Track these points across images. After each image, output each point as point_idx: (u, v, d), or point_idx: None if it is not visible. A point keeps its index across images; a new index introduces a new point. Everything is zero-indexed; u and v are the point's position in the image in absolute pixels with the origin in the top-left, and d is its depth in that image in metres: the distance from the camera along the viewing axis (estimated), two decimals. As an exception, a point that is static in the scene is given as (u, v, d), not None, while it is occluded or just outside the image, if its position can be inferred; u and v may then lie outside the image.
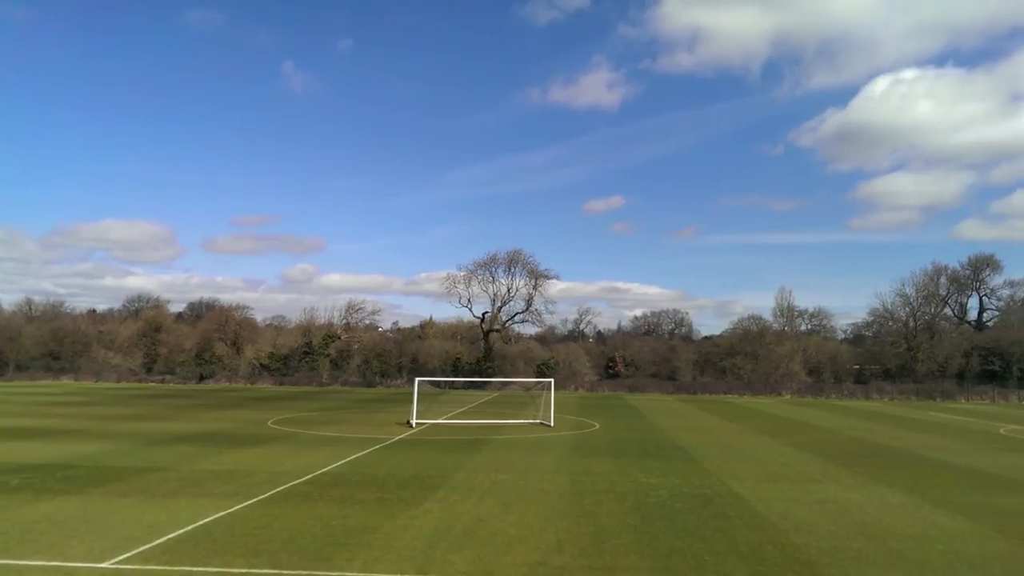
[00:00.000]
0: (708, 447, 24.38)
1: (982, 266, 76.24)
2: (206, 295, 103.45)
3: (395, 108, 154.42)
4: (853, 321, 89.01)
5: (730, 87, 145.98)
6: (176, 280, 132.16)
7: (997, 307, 77.35)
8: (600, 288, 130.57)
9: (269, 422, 31.08)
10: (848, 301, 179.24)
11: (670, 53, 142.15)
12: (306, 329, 75.54)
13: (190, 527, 12.09)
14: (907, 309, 71.86)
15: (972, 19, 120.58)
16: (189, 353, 71.44)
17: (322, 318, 79.03)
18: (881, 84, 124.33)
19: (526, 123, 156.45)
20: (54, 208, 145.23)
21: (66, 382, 66.01)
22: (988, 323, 75.82)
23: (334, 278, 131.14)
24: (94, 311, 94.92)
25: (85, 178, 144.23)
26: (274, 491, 15.32)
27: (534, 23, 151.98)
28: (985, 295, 77.48)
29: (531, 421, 32.33)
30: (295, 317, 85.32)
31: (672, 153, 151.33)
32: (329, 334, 73.77)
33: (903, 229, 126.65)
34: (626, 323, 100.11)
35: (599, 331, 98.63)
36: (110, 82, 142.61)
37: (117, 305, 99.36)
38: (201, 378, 68.44)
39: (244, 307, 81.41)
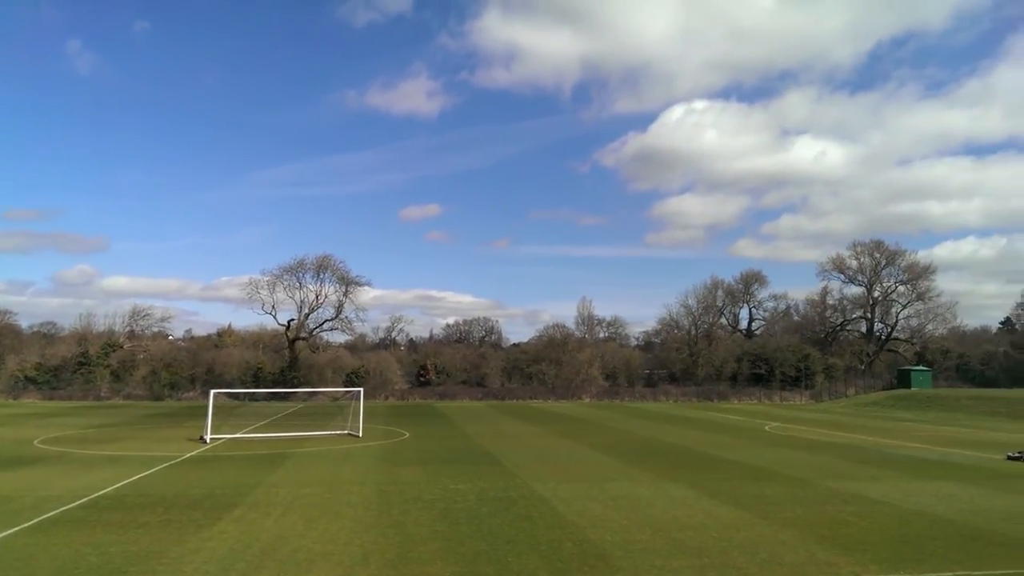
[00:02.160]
0: (513, 451, 25.17)
1: (752, 281, 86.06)
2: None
3: (195, 98, 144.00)
4: (644, 329, 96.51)
5: (543, 105, 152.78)
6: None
7: (763, 317, 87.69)
8: (414, 296, 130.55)
9: (35, 441, 27.50)
10: (641, 311, 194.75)
11: (488, 67, 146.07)
12: (82, 337, 67.90)
13: (-72, 567, 10.39)
14: (690, 318, 79.21)
15: (751, 60, 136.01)
16: (-68, 365, 61.45)
17: (102, 325, 71.66)
18: (676, 112, 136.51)
19: (341, 125, 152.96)
20: None
21: None
22: (756, 331, 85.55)
23: (119, 281, 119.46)
24: None
25: None
26: (41, 518, 13.59)
27: (352, 23, 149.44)
28: (753, 307, 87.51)
29: (339, 432, 31.49)
30: (69, 324, 76.67)
31: (488, 165, 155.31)
32: (110, 343, 66.87)
33: (690, 246, 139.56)
34: (438, 331, 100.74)
35: (411, 339, 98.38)
36: None
37: None
38: (-53, 394, 59.10)
39: (7, 312, 71.90)
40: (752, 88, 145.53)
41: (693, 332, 78.13)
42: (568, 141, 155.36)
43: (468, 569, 10.50)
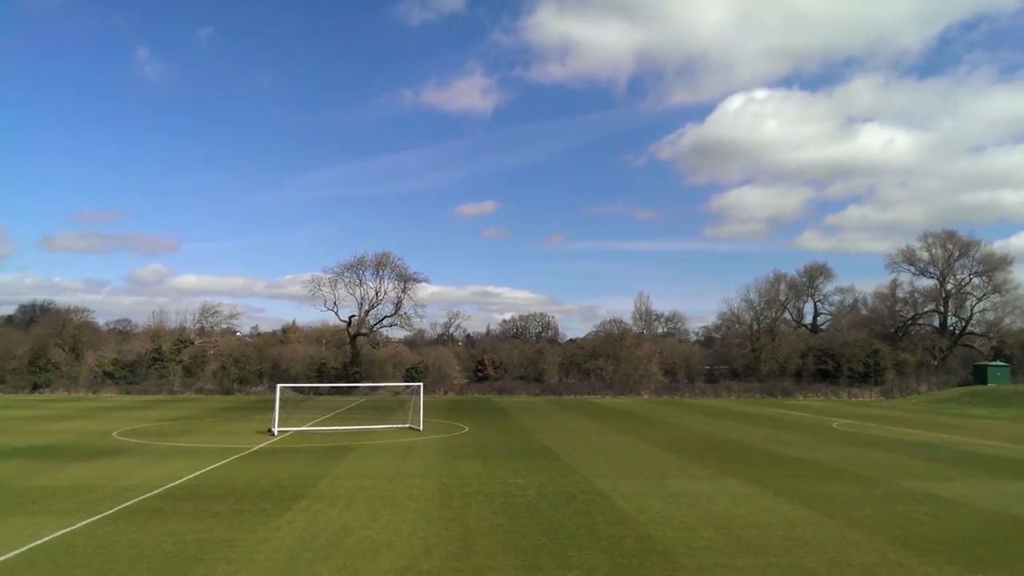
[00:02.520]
0: (572, 446, 25.15)
1: (816, 274, 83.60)
2: (41, 297, 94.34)
3: (258, 102, 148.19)
4: (704, 324, 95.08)
5: (598, 99, 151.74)
6: (7, 280, 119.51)
7: (829, 311, 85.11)
8: (471, 292, 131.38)
9: (114, 433, 28.83)
10: (700, 306, 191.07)
11: (542, 63, 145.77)
12: (155, 334, 70.77)
13: (25, 548, 11.03)
14: (751, 313, 77.55)
15: (813, 46, 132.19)
16: (21, 360, 64.87)
17: (174, 322, 74.58)
18: (735, 102, 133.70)
19: (398, 124, 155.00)
20: None
21: None
22: (821, 326, 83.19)
23: (189, 279, 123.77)
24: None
25: None
26: (120, 506, 14.26)
27: (407, 23, 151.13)
28: (819, 300, 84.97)
29: (400, 426, 32.01)
30: (143, 321, 79.95)
31: (543, 160, 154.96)
32: (181, 339, 69.52)
33: (750, 239, 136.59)
34: (495, 327, 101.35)
35: (468, 335, 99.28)
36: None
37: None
38: (35, 387, 62.39)
39: (85, 310, 74.87)
40: (814, 75, 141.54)
41: (755, 327, 76.49)
42: (623, 135, 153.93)
43: (529, 562, 10.56)
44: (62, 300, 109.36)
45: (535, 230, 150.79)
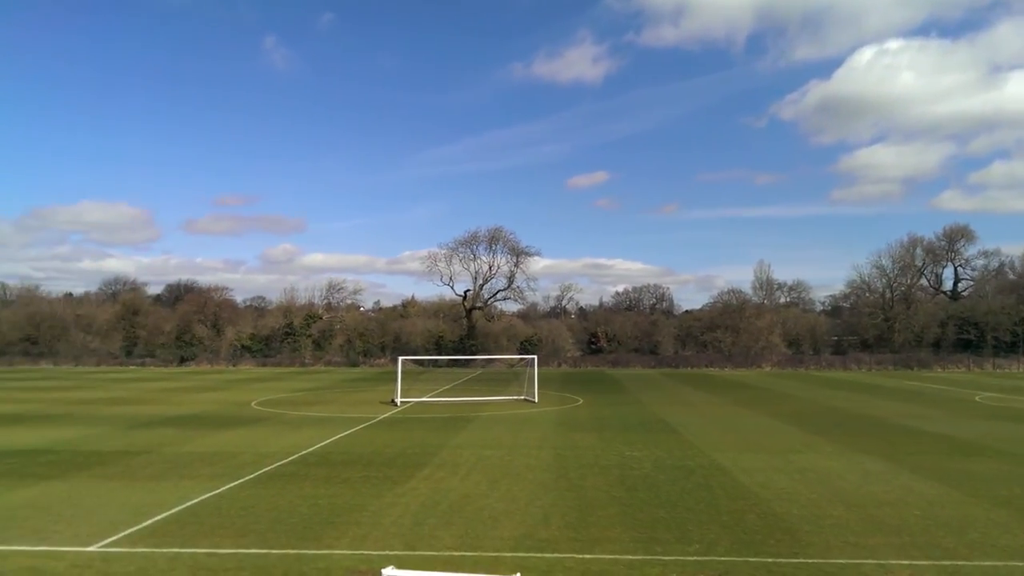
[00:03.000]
0: (690, 419, 24.69)
1: (956, 237, 77.11)
2: (185, 277, 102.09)
3: (375, 84, 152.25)
4: (831, 293, 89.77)
5: (713, 60, 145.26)
6: (154, 262, 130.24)
7: (971, 277, 78.50)
8: (583, 264, 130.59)
9: (252, 403, 30.97)
10: (826, 273, 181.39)
11: (655, 26, 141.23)
12: (287, 309, 75.05)
13: (176, 509, 12.08)
14: (884, 280, 72.78)
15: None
16: (169, 336, 70.72)
17: (303, 298, 78.59)
18: (865, 55, 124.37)
19: (509, 99, 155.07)
20: (29, 190, 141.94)
21: (45, 367, 65.22)
22: (963, 293, 76.99)
23: (316, 258, 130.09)
24: (70, 295, 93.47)
25: (60, 159, 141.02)
26: (260, 472, 15.32)
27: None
28: (960, 265, 78.47)
29: (515, 397, 32.51)
30: (276, 298, 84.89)
31: (655, 127, 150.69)
32: (310, 314, 73.38)
33: (883, 201, 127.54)
34: (608, 299, 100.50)
35: (581, 307, 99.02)
36: (84, 60, 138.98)
37: (94, 288, 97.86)
38: (182, 360, 67.92)
39: (224, 288, 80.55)
40: (955, 22, 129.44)
41: (888, 295, 71.86)
42: (741, 96, 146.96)
43: (647, 535, 10.49)
44: (203, 279, 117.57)
45: (648, 200, 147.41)
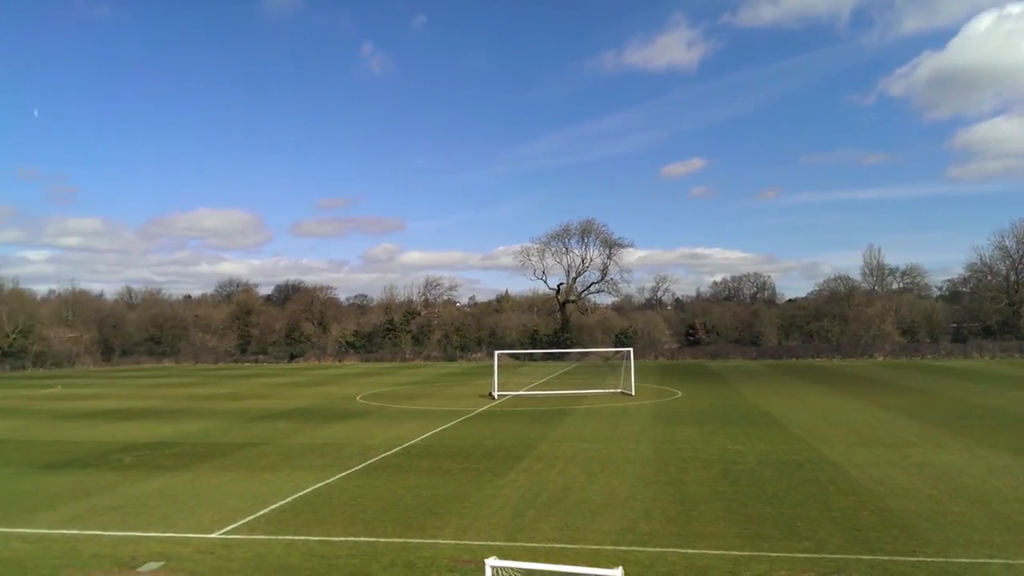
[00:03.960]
0: (796, 412, 23.80)
1: (1093, 213, 70.63)
2: (292, 277, 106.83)
3: (466, 83, 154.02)
4: (949, 277, 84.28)
5: (816, 37, 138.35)
6: (265, 264, 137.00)
7: (1110, 256, 71.70)
8: (679, 255, 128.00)
9: (358, 397, 32.16)
10: (943, 257, 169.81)
11: (752, 5, 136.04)
12: (387, 307, 77.41)
13: (290, 498, 12.71)
14: (1008, 262, 67.56)
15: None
16: (279, 334, 74.39)
17: (402, 295, 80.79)
18: (983, 21, 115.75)
19: (600, 89, 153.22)
20: (151, 200, 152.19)
21: (168, 365, 69.92)
22: (1100, 274, 70.43)
23: (414, 256, 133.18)
24: (189, 297, 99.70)
25: (179, 170, 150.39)
26: (366, 463, 15.90)
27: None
28: (1095, 244, 71.84)
29: (612, 391, 32.29)
30: (377, 296, 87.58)
31: (755, 110, 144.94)
32: (409, 311, 75.38)
33: (1005, 177, 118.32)
34: (706, 289, 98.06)
35: (677, 298, 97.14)
36: (196, 76, 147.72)
37: (210, 290, 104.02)
38: (292, 357, 71.26)
39: (328, 288, 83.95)
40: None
41: (1013, 278, 66.73)
42: (846, 73, 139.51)
43: (753, 531, 10.21)
44: (310, 279, 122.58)
45: (747, 186, 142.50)
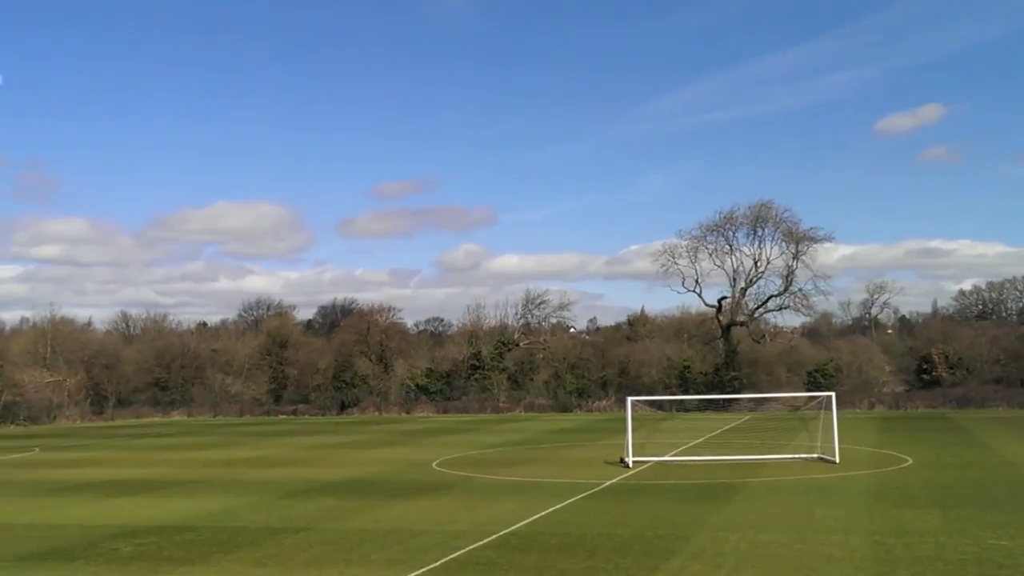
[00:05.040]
0: (1095, 490, 22.50)
1: None
2: (342, 295, 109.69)
3: (574, 16, 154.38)
4: None
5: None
6: (305, 278, 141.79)
7: None
8: (904, 252, 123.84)
9: (434, 463, 32.74)
10: None
11: None
12: (471, 334, 78.46)
13: (343, 607, 12.99)
14: None
15: None
16: (325, 374, 76.56)
17: (492, 317, 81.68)
18: None
19: (771, 13, 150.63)
20: (152, 193, 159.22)
21: (178, 418, 73.40)
22: None
23: (509, 261, 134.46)
24: (204, 324, 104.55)
25: (189, 151, 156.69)
26: (448, 557, 16.05)
27: None
28: None
29: (805, 456, 31.53)
30: (457, 319, 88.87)
31: (1019, 27, 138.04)
32: (503, 340, 76.11)
33: None
34: (947, 303, 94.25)
35: (903, 316, 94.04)
36: (208, 25, 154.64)
37: (232, 315, 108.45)
38: (342, 407, 73.37)
39: (391, 309, 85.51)
40: None
41: None
42: None
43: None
44: (365, 297, 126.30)
45: (1010, 145, 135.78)
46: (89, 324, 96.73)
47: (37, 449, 44.94)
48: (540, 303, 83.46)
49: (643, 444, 34.12)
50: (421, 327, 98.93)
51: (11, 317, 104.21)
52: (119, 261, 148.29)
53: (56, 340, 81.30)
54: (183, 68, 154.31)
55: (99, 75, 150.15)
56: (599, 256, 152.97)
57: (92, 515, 22.69)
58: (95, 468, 34.67)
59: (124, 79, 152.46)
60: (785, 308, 71.59)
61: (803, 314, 73.13)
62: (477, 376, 73.27)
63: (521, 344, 77.01)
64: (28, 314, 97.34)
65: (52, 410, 72.23)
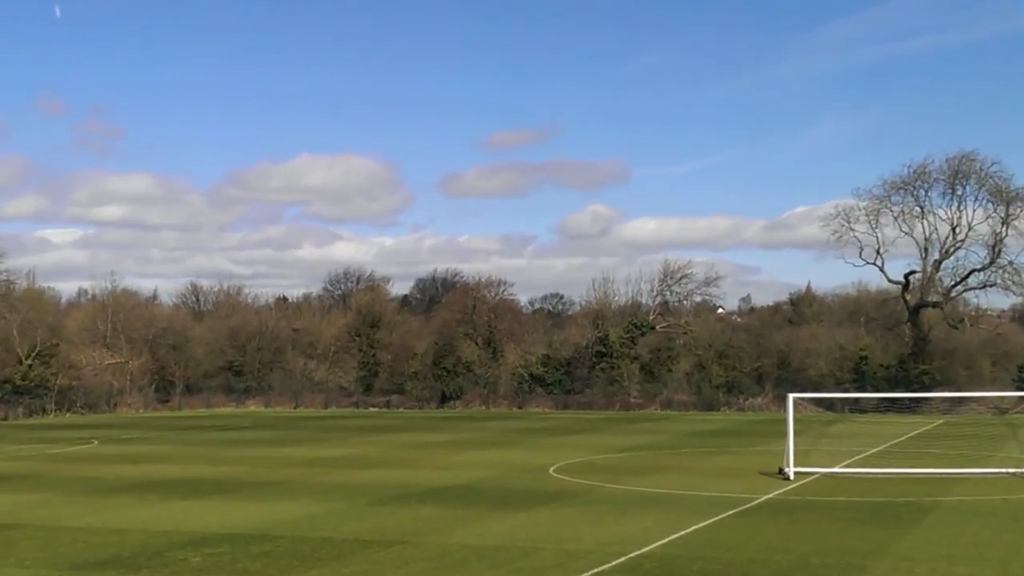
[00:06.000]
0: None
1: None
2: (444, 266, 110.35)
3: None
4: None
5: None
6: (401, 245, 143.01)
7: None
8: None
9: (551, 468, 32.87)
10: None
11: None
12: (597, 314, 78.11)
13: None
14: None
15: None
16: (423, 360, 77.21)
17: (623, 295, 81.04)
18: None
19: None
20: (227, 146, 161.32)
21: (253, 409, 75.08)
22: None
23: (646, 226, 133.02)
24: (285, 299, 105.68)
25: (270, 97, 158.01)
26: (568, 583, 16.13)
27: None
28: None
29: (1012, 471, 30.60)
30: (580, 295, 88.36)
31: None
32: (634, 322, 75.61)
33: None
34: None
35: None
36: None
37: (317, 288, 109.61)
38: (444, 399, 74.02)
39: (502, 283, 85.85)
40: None
41: None
42: None
43: None
44: (471, 268, 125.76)
45: None
46: (154, 297, 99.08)
47: (96, 441, 46.32)
48: (681, 277, 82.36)
49: (807, 452, 33.63)
50: (537, 305, 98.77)
51: (68, 288, 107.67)
52: (189, 224, 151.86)
53: (117, 316, 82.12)
54: (261, 5, 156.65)
55: (171, 14, 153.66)
56: (755, 220, 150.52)
57: (156, 519, 23.42)
58: (160, 465, 35.84)
59: (199, 18, 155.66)
60: (991, 286, 69.50)
61: (1014, 293, 70.73)
62: (603, 365, 72.88)
63: (658, 327, 76.33)
64: (87, 285, 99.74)
65: (112, 397, 73.87)
